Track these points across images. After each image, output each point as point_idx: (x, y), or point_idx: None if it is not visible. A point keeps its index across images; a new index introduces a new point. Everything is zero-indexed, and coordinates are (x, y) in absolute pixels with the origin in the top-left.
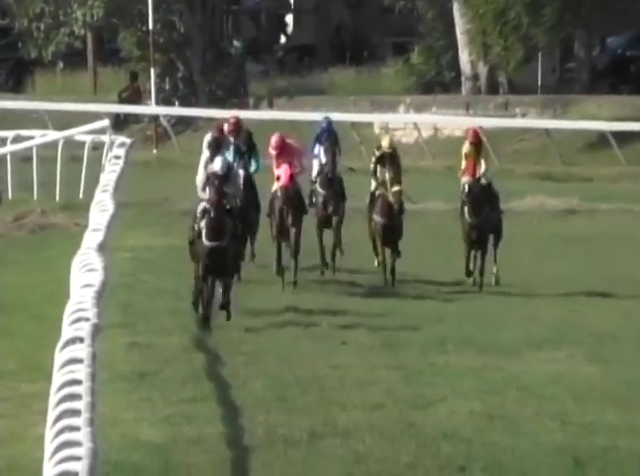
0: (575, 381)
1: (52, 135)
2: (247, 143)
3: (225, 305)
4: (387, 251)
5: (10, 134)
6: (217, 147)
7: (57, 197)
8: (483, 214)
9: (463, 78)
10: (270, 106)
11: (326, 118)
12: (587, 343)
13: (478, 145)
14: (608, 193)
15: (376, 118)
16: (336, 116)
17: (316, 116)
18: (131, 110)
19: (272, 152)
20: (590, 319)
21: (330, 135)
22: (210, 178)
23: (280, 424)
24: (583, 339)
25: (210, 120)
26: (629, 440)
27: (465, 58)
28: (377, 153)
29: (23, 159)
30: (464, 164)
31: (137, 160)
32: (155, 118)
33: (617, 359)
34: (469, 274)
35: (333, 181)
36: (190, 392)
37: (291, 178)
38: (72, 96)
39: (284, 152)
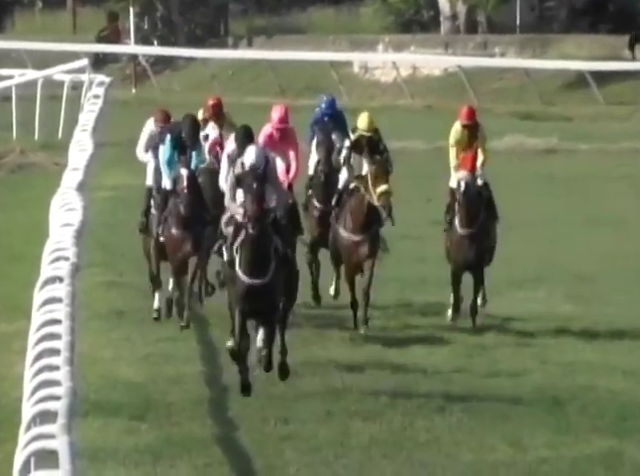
0: (554, 320)
1: (31, 74)
2: (192, 134)
3: (268, 358)
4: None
5: None
6: (246, 137)
7: (37, 136)
8: (479, 224)
9: (441, 17)
10: (250, 45)
11: (326, 96)
12: (567, 282)
13: (473, 128)
14: (587, 133)
15: (355, 57)
16: (315, 55)
17: (295, 55)
18: (110, 49)
19: (268, 131)
20: (570, 259)
21: (331, 119)
22: (242, 179)
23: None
24: (562, 278)
25: (189, 59)
26: (608, 380)
27: None
28: (352, 136)
29: (2, 98)
30: (453, 154)
31: (116, 99)
32: (134, 57)
33: (596, 298)
34: (456, 308)
35: (331, 190)
36: (170, 331)
37: (290, 186)
38: (52, 36)
39: (283, 137)
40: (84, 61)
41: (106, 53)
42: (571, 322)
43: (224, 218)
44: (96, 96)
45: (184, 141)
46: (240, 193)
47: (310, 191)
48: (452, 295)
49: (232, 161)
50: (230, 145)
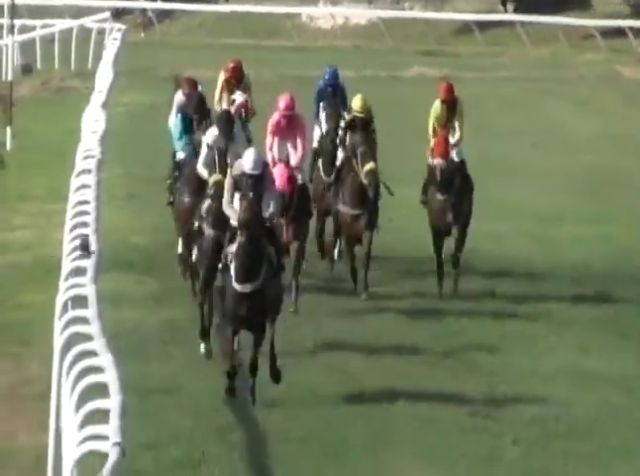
0: None
1: (68, 23)
2: (199, 108)
3: (254, 365)
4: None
5: (38, 22)
6: (228, 122)
7: (72, 67)
8: (456, 195)
9: None
10: (227, 1)
11: (329, 68)
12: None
13: (452, 103)
14: (471, 66)
15: (303, 10)
16: (274, 9)
17: (259, 9)
18: (125, 4)
19: (276, 118)
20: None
21: (336, 91)
22: (238, 183)
23: None
24: None
25: (183, 11)
26: (487, 241)
27: None
28: (348, 116)
29: (48, 40)
30: (431, 132)
31: (129, 41)
32: (143, 10)
33: (478, 186)
34: (441, 275)
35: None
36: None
37: (290, 180)
38: None
39: (290, 123)
40: (107, 14)
41: (123, 7)
42: None
43: (204, 207)
44: (115, 39)
45: (192, 116)
46: (237, 198)
47: (317, 163)
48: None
49: (211, 148)
50: (210, 133)
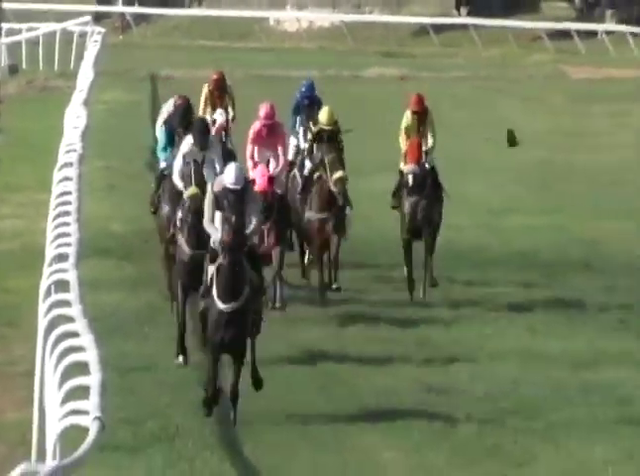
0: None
1: (52, 26)
2: (184, 118)
3: (235, 394)
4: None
5: (24, 26)
6: (203, 131)
7: (56, 68)
8: (427, 203)
9: None
10: (200, 5)
11: (306, 81)
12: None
13: (422, 114)
14: (428, 66)
15: (271, 14)
16: (244, 13)
17: (230, 13)
18: (105, 9)
19: (257, 127)
20: None
21: (313, 104)
22: (220, 199)
23: None
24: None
25: (159, 15)
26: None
27: None
28: (315, 129)
29: (32, 43)
30: (403, 141)
31: (109, 43)
32: (121, 14)
33: None
34: (412, 286)
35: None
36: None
37: (270, 180)
38: None
39: (270, 132)
40: (88, 18)
41: (103, 11)
42: None
43: (178, 217)
44: (96, 41)
45: (175, 130)
46: (217, 215)
47: (293, 172)
48: (408, 275)
49: (186, 158)
50: (186, 143)
